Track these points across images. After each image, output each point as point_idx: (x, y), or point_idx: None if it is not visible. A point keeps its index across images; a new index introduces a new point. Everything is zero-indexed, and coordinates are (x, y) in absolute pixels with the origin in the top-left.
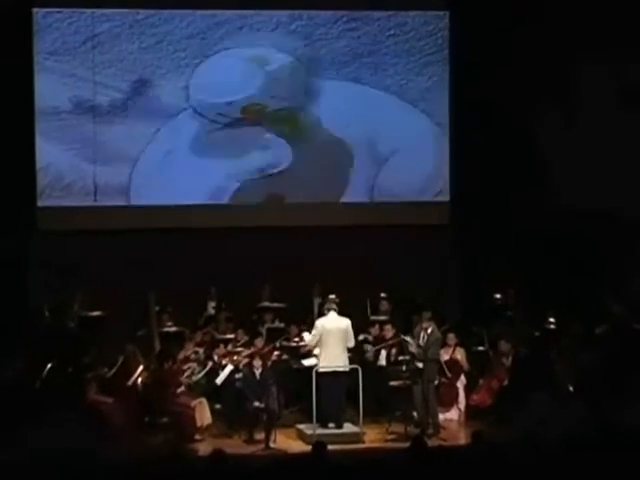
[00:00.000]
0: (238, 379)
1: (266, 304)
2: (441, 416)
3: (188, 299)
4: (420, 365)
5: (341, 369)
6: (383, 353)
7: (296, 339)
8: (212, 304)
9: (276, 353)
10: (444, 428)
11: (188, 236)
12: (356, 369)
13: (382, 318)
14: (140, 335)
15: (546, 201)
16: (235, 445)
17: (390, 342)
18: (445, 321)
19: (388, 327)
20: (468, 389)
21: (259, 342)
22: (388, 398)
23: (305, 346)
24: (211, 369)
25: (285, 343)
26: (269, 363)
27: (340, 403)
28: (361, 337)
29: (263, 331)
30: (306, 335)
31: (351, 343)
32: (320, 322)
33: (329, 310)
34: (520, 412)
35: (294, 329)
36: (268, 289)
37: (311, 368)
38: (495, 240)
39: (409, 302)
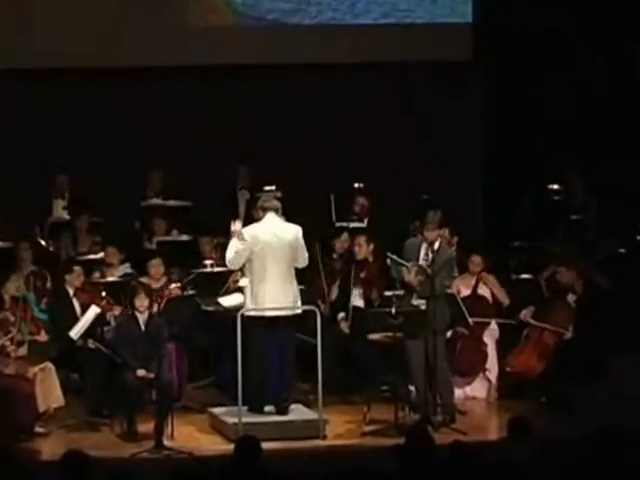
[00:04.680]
0: (109, 330)
1: (156, 201)
2: (458, 392)
3: (19, 192)
4: (422, 305)
5: (287, 312)
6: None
7: (208, 262)
8: (61, 202)
9: (174, 286)
10: (463, 413)
11: (15, 79)
12: (312, 312)
13: (356, 225)
14: None
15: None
16: (104, 442)
17: (365, 265)
18: (465, 232)
19: (363, 240)
20: (503, 347)
21: (153, 269)
22: (367, 362)
23: (225, 273)
24: (60, 312)
25: (190, 270)
26: (162, 303)
27: (284, 371)
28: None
29: (152, 247)
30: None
31: (303, 262)
32: (250, 231)
33: (265, 211)
34: (592, 387)
35: (205, 244)
36: (159, 175)
37: (235, 310)
38: (548, 90)
39: (403, 197)
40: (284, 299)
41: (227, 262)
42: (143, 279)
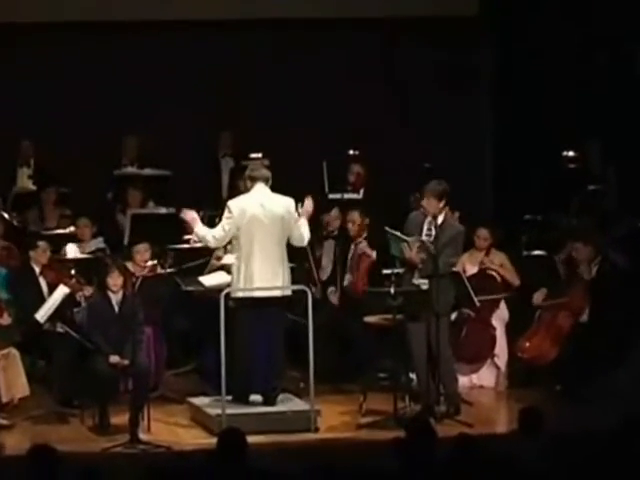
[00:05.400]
0: (78, 312)
1: (131, 170)
2: (464, 380)
3: None
4: (423, 284)
5: (276, 293)
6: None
7: (189, 237)
8: (26, 171)
9: (150, 263)
10: (469, 403)
11: None
12: (303, 293)
13: (351, 196)
14: None
15: None
16: (73, 436)
17: (360, 241)
18: (472, 204)
19: (357, 215)
20: (513, 330)
21: (138, 255)
22: (363, 347)
23: (207, 249)
24: (25, 292)
25: (169, 245)
26: (138, 282)
27: (273, 357)
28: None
29: (126, 222)
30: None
31: (300, 239)
32: (236, 204)
33: (254, 181)
34: (611, 374)
35: (190, 217)
36: (134, 141)
37: (218, 291)
38: (565, 49)
39: (403, 165)
40: (274, 279)
41: (210, 239)
42: (128, 265)
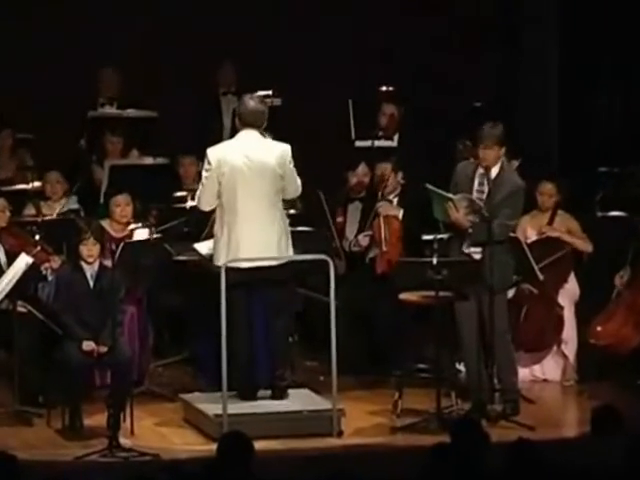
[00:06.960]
0: (44, 287)
1: (109, 111)
2: (524, 373)
3: None
4: (474, 254)
5: (270, 263)
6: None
7: (182, 194)
8: None
9: (134, 226)
10: (530, 401)
11: None
12: (324, 263)
13: (384, 144)
14: None
15: None
16: (38, 440)
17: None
18: (533, 153)
19: (389, 169)
20: (585, 311)
21: (118, 209)
22: (398, 332)
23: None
24: None
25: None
26: (118, 250)
27: (280, 341)
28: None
29: (103, 175)
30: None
31: (295, 191)
32: (215, 152)
33: (242, 125)
34: None
35: (189, 166)
36: (114, 75)
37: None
38: None
39: (446, 105)
40: (263, 248)
41: (195, 201)
42: (104, 224)
